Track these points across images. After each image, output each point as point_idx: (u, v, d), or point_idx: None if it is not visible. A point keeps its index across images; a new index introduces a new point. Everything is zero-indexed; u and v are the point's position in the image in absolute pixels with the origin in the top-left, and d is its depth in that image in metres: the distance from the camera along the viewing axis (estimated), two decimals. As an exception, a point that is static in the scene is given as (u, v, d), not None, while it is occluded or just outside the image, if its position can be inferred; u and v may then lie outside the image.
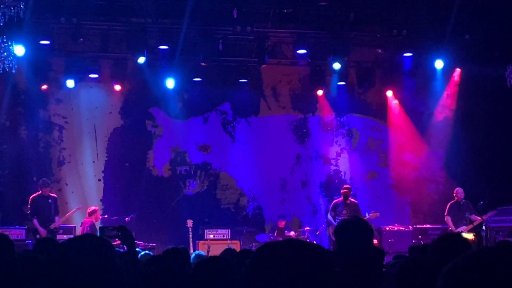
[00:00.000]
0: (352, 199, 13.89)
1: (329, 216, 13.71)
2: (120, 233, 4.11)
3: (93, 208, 13.45)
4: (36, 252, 5.31)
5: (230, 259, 5.05)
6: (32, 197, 12.87)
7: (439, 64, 15.21)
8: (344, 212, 13.31)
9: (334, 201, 13.90)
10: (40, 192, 12.93)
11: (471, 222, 13.15)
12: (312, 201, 16.48)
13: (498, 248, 1.49)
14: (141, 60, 14.17)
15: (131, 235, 4.18)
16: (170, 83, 15.29)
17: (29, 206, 12.86)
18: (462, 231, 12.87)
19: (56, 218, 12.97)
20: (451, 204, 13.46)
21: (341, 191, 13.91)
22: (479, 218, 13.07)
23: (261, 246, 1.83)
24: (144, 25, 13.97)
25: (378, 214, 13.87)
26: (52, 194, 13.22)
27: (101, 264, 2.33)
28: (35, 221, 12.67)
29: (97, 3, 13.28)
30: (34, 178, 14.74)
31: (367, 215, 13.37)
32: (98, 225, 12.96)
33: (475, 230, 13.06)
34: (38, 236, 12.61)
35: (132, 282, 3.26)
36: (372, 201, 16.15)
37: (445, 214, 13.46)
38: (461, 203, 13.31)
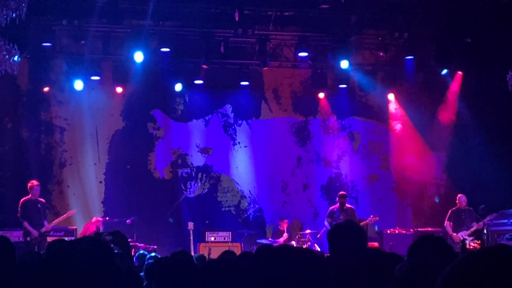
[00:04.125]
0: (349, 205, 13.87)
1: (326, 223, 13.72)
2: (114, 238, 4.11)
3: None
4: (50, 253, 5.28)
5: (229, 262, 5.04)
6: (22, 201, 12.80)
7: (440, 67, 15.20)
8: (341, 218, 13.27)
9: (330, 208, 13.85)
10: (30, 196, 12.89)
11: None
12: (313, 204, 16.48)
13: (495, 250, 1.48)
14: (139, 58, 14.11)
15: (126, 239, 4.18)
16: (171, 85, 15.31)
17: (19, 209, 12.79)
18: (462, 236, 12.89)
19: (45, 222, 12.92)
20: (452, 210, 13.49)
21: (337, 199, 13.85)
22: (480, 223, 13.10)
23: (256, 253, 1.84)
24: (145, 28, 13.98)
25: (377, 217, 13.93)
26: (41, 199, 13.15)
27: (100, 265, 2.33)
28: (26, 224, 12.61)
29: (99, 5, 13.29)
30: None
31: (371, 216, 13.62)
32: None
33: (476, 234, 13.06)
34: (28, 238, 12.57)
35: (127, 284, 3.27)
36: (373, 204, 16.14)
37: (446, 219, 13.48)
38: (463, 210, 13.30)
